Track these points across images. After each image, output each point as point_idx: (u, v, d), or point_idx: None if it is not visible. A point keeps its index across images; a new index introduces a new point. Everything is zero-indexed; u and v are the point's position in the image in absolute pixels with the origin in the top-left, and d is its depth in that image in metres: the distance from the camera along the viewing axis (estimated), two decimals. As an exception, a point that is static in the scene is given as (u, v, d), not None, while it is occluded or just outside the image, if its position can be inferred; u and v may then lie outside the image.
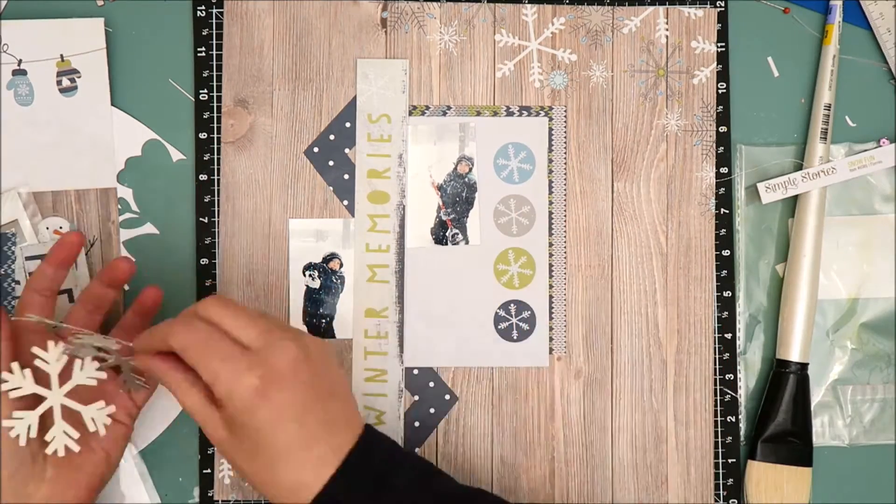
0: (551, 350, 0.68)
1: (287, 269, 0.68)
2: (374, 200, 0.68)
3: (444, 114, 0.68)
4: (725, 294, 0.69)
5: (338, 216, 0.68)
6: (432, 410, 0.68)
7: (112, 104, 0.67)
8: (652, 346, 0.68)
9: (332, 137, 0.68)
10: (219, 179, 0.68)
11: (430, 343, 0.68)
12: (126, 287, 0.67)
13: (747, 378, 0.69)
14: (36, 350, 0.55)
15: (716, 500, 0.68)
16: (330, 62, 0.68)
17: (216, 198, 0.68)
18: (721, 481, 0.68)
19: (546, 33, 0.69)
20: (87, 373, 0.57)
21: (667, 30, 0.69)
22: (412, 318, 0.68)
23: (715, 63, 0.69)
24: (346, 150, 0.68)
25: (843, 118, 0.70)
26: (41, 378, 0.56)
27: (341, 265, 0.68)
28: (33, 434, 0.55)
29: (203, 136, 0.68)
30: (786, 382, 0.67)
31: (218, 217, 0.68)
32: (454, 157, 0.68)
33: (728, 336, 0.69)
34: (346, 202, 0.68)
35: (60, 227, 0.67)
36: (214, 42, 0.68)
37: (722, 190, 0.69)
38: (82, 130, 0.67)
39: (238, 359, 0.53)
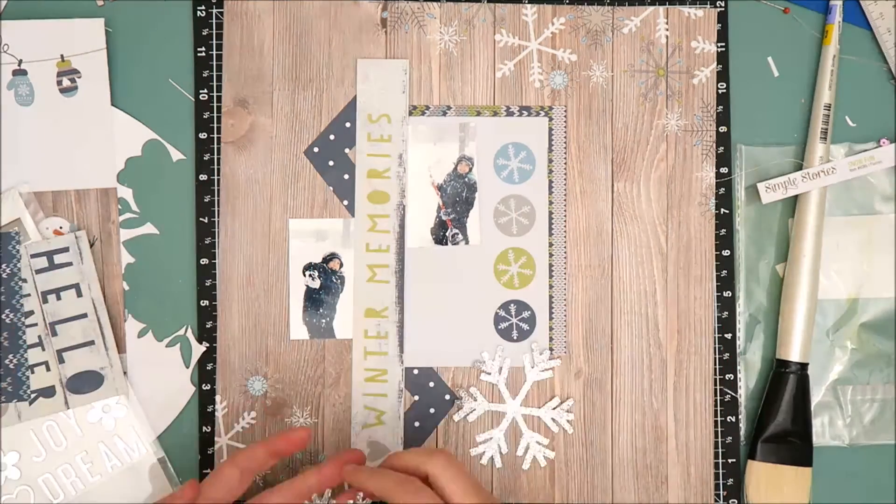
0: (551, 350, 0.68)
1: (287, 269, 0.68)
2: (374, 200, 0.68)
3: (444, 114, 0.68)
4: (725, 294, 0.69)
5: (338, 216, 0.68)
6: (432, 410, 0.68)
7: (112, 104, 0.67)
8: (652, 346, 0.68)
9: (332, 137, 0.68)
10: (219, 179, 0.68)
11: (430, 343, 0.68)
12: (126, 287, 0.67)
13: (747, 378, 0.69)
14: None
15: (716, 500, 0.68)
16: (330, 62, 0.68)
17: (216, 198, 0.68)
18: (721, 481, 0.68)
19: (546, 33, 0.69)
20: None
21: (667, 30, 0.69)
22: (412, 318, 0.68)
23: (715, 63, 0.69)
24: (346, 150, 0.68)
25: (843, 118, 0.70)
26: None
27: (341, 265, 0.68)
28: None
29: (203, 136, 0.68)
30: (786, 382, 0.67)
31: (218, 217, 0.68)
32: (454, 157, 0.68)
33: (728, 336, 0.69)
34: (346, 202, 0.68)
35: (60, 227, 0.67)
36: (214, 42, 0.68)
37: (722, 190, 0.69)
38: (82, 130, 0.67)
39: None
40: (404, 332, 0.68)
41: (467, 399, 0.68)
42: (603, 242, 0.69)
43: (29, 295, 0.66)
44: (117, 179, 0.68)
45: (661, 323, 0.68)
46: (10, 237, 0.66)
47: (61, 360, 0.66)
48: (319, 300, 0.68)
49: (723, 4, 0.69)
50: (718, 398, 0.68)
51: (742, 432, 0.69)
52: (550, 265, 0.69)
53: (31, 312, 0.66)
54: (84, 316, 0.66)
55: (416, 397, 0.68)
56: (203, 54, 0.68)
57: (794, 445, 0.67)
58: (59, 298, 0.66)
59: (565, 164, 0.69)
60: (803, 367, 0.68)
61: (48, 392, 0.66)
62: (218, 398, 0.67)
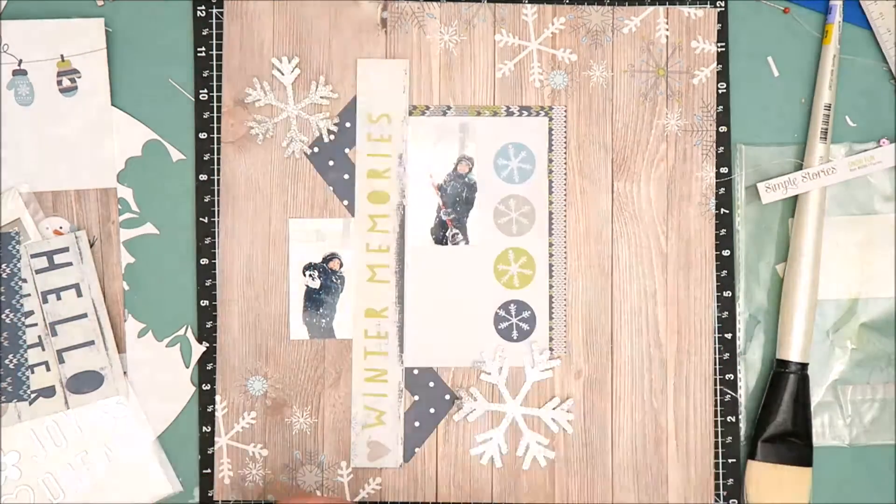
0: (551, 350, 0.68)
1: (287, 269, 0.68)
2: (374, 200, 0.68)
3: (444, 114, 0.68)
4: (725, 294, 0.69)
5: (338, 216, 0.68)
6: (432, 410, 0.68)
7: (112, 104, 0.67)
8: (652, 346, 0.68)
9: (332, 137, 0.68)
10: (219, 179, 0.68)
11: (430, 343, 0.68)
12: (126, 287, 0.67)
13: (747, 378, 0.69)
14: None
15: (716, 500, 0.68)
16: (330, 62, 0.68)
17: (216, 198, 0.68)
18: (721, 481, 0.68)
19: (546, 33, 0.69)
20: None
21: (667, 30, 0.69)
22: (412, 318, 0.68)
23: (715, 63, 0.69)
24: (347, 150, 0.68)
25: (843, 118, 0.70)
26: None
27: (341, 265, 0.68)
28: None
29: (203, 136, 0.68)
30: (786, 382, 0.67)
31: (218, 217, 0.68)
32: (454, 157, 0.68)
33: (728, 336, 0.69)
34: (346, 202, 0.68)
35: (60, 227, 0.67)
36: (214, 42, 0.68)
37: (722, 190, 0.69)
38: (82, 130, 0.67)
39: None
40: (404, 332, 0.68)
41: (467, 399, 0.68)
42: (603, 242, 0.68)
43: (29, 295, 0.66)
44: (117, 179, 0.68)
45: (661, 323, 0.68)
46: (10, 237, 0.66)
47: (61, 360, 0.66)
48: (319, 300, 0.68)
49: (723, 4, 0.69)
50: (718, 398, 0.68)
51: (742, 432, 0.69)
52: (550, 265, 0.69)
53: (31, 312, 0.66)
54: (84, 316, 0.66)
55: (416, 397, 0.68)
56: (203, 54, 0.68)
57: (794, 445, 0.67)
58: (59, 298, 0.66)
59: (565, 164, 0.69)
60: (803, 367, 0.68)
61: (48, 392, 0.66)
62: (218, 398, 0.67)
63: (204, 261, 0.68)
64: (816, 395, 0.69)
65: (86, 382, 0.66)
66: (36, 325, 0.66)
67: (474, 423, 0.68)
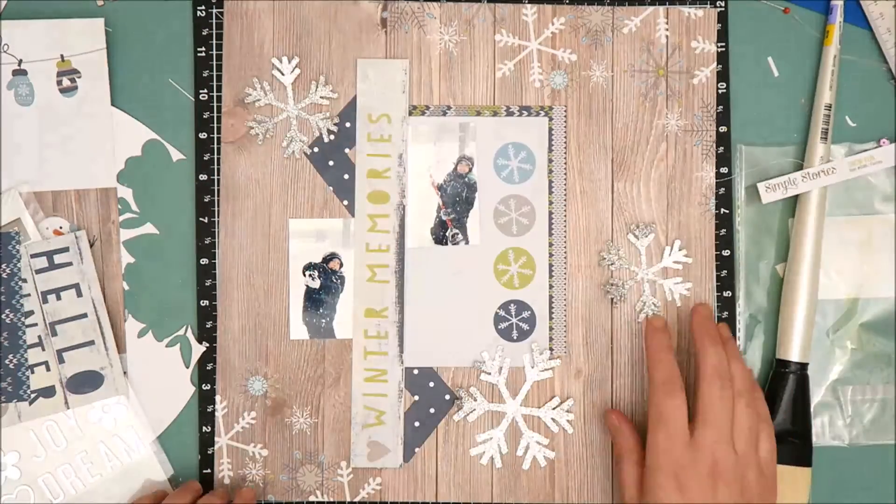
0: (551, 350, 0.68)
1: (287, 269, 0.68)
2: (374, 200, 0.68)
3: (444, 114, 0.68)
4: (725, 294, 0.69)
5: (338, 216, 0.68)
6: (432, 410, 0.68)
7: (112, 104, 0.67)
8: (652, 346, 0.68)
9: (332, 137, 0.68)
10: (219, 179, 0.68)
11: (430, 343, 0.68)
12: (126, 287, 0.67)
13: (747, 378, 0.69)
14: None
15: (716, 500, 0.68)
16: (330, 62, 0.68)
17: (216, 198, 0.68)
18: (721, 481, 0.68)
19: (546, 33, 0.69)
20: None
21: (667, 30, 0.69)
22: (412, 318, 0.68)
23: (715, 63, 0.69)
24: (346, 150, 0.68)
25: (843, 118, 0.70)
26: None
27: (341, 265, 0.68)
28: None
29: (203, 136, 0.68)
30: (786, 382, 0.67)
31: (218, 217, 0.68)
32: (454, 157, 0.68)
33: (728, 336, 0.69)
34: (346, 202, 0.68)
35: (60, 227, 0.67)
36: (214, 42, 0.68)
37: (722, 190, 0.69)
38: (82, 130, 0.67)
39: None
40: (404, 332, 0.68)
41: (467, 399, 0.68)
42: (603, 242, 0.68)
43: (29, 295, 0.66)
44: (117, 179, 0.68)
45: (661, 323, 0.68)
46: (10, 237, 0.66)
47: (61, 360, 0.66)
48: (319, 300, 0.68)
49: (723, 4, 0.69)
50: (718, 398, 0.68)
51: (742, 432, 0.69)
52: (550, 265, 0.68)
53: (31, 312, 0.66)
54: (84, 316, 0.66)
55: (416, 397, 0.68)
56: (203, 54, 0.68)
57: (794, 445, 0.67)
58: (59, 298, 0.66)
59: (565, 164, 0.69)
60: (803, 367, 0.68)
61: (48, 392, 0.66)
62: (218, 398, 0.67)
63: (204, 261, 0.68)
64: (816, 395, 0.69)
65: (86, 382, 0.66)
66: (36, 325, 0.66)
67: (474, 423, 0.68)
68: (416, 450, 0.68)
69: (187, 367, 0.68)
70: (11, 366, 0.66)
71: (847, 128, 0.70)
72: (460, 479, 0.68)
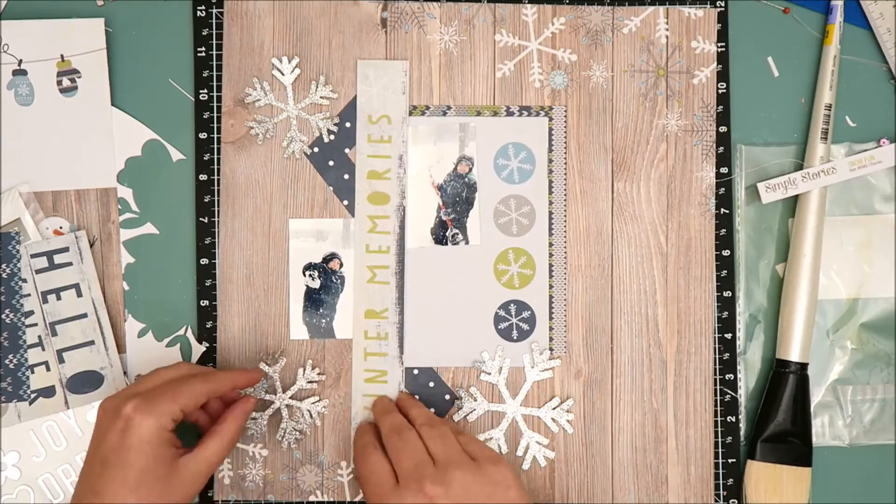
0: (551, 350, 0.68)
1: (287, 269, 0.68)
2: (375, 202, 0.68)
3: (444, 114, 0.68)
4: (725, 294, 0.69)
5: (338, 216, 0.68)
6: (432, 410, 0.68)
7: (112, 104, 0.67)
8: (652, 346, 0.68)
9: (332, 137, 0.68)
10: (219, 179, 0.68)
11: (430, 343, 0.68)
12: (126, 287, 0.67)
13: (747, 378, 0.69)
14: None
15: (716, 500, 0.68)
16: (330, 62, 0.68)
17: (216, 198, 0.68)
18: (721, 481, 0.68)
19: (546, 33, 0.69)
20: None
21: (667, 30, 0.69)
22: (412, 319, 0.68)
23: (715, 63, 0.69)
24: (346, 150, 0.68)
25: (843, 118, 0.70)
26: None
27: (341, 265, 0.68)
28: None
29: (203, 136, 0.68)
30: (786, 382, 0.67)
31: (218, 217, 0.68)
32: (454, 157, 0.68)
33: (728, 336, 0.69)
34: (346, 202, 0.68)
35: (60, 227, 0.67)
36: (214, 42, 0.68)
37: (722, 190, 0.69)
38: (82, 130, 0.67)
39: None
40: (404, 332, 0.68)
41: (467, 399, 0.68)
42: (603, 242, 0.68)
43: (29, 295, 0.66)
44: (117, 179, 0.68)
45: (661, 323, 0.68)
46: (10, 237, 0.66)
47: (61, 360, 0.66)
48: (319, 300, 0.68)
49: (723, 4, 0.69)
50: (718, 398, 0.68)
51: (742, 432, 0.69)
52: (550, 265, 0.69)
53: (31, 312, 0.66)
54: (84, 316, 0.66)
55: (417, 397, 0.68)
56: (203, 54, 0.68)
57: (794, 445, 0.67)
58: (59, 298, 0.66)
59: (565, 164, 0.69)
60: (803, 367, 0.68)
61: (48, 392, 0.66)
62: (218, 398, 0.67)
63: (204, 261, 0.68)
64: (816, 395, 0.69)
65: (86, 382, 0.66)
66: (36, 325, 0.66)
67: (474, 423, 0.68)
68: (416, 450, 0.68)
69: (187, 367, 0.68)
70: (11, 366, 0.66)
71: (847, 128, 0.70)
72: (460, 479, 0.68)
